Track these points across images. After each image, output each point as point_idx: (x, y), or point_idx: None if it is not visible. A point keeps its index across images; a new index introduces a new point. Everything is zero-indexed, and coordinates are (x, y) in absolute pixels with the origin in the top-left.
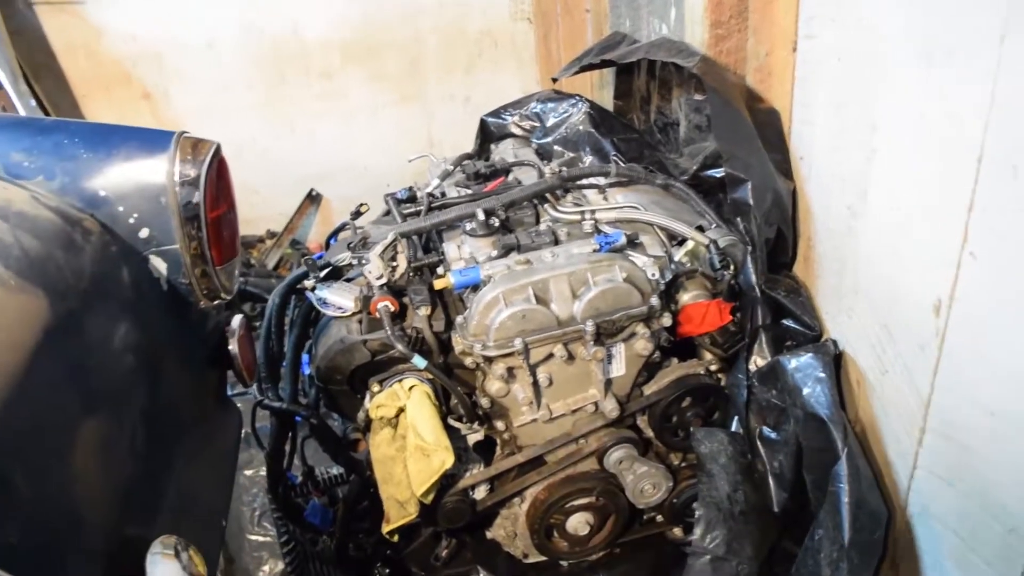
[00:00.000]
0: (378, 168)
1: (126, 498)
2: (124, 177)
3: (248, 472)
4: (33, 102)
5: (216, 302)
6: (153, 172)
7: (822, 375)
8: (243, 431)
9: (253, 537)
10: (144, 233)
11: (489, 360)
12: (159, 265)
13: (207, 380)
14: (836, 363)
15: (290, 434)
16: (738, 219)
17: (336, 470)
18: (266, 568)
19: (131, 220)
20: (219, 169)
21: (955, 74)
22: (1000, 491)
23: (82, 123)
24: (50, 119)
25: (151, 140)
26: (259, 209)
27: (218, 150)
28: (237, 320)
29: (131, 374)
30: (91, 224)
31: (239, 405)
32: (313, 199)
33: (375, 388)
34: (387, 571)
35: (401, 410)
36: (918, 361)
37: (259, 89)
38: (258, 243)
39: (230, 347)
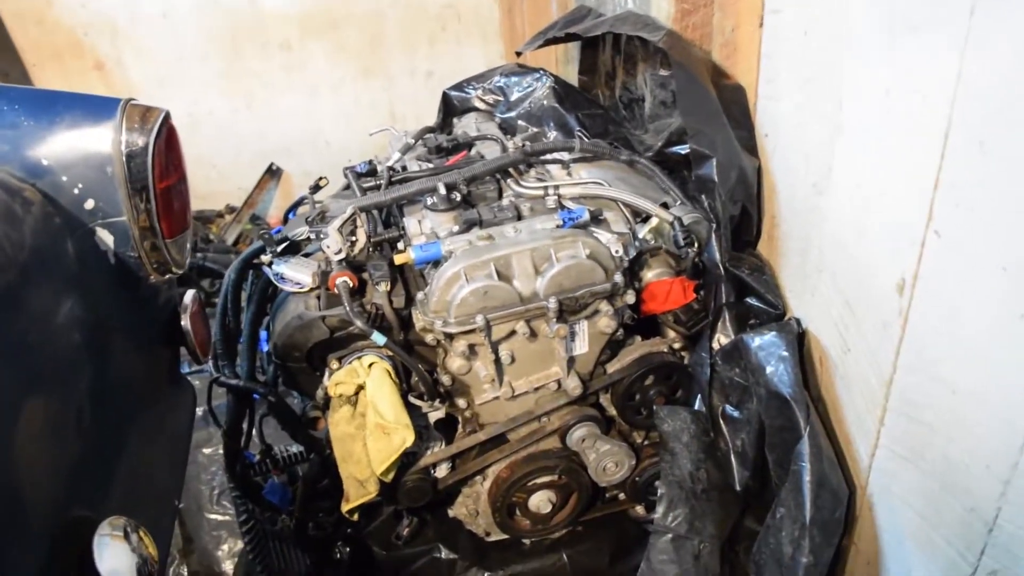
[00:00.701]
0: (340, 142)
1: (72, 479)
2: (68, 146)
3: (207, 450)
4: None
5: (167, 276)
6: (98, 141)
7: (785, 353)
8: (199, 409)
9: (212, 516)
10: (90, 204)
11: (450, 337)
12: (106, 238)
13: (159, 357)
14: (799, 342)
15: (248, 412)
16: (703, 196)
17: (295, 448)
18: (225, 547)
19: (76, 191)
20: (168, 138)
21: (922, 48)
22: (961, 470)
23: (24, 89)
24: None
25: (96, 107)
26: (217, 184)
27: (167, 118)
28: (190, 295)
29: (77, 351)
30: (32, 194)
31: (195, 383)
32: (273, 173)
33: (334, 365)
34: (347, 550)
35: (360, 387)
36: (881, 340)
37: (216, 61)
38: (217, 218)
39: (183, 323)
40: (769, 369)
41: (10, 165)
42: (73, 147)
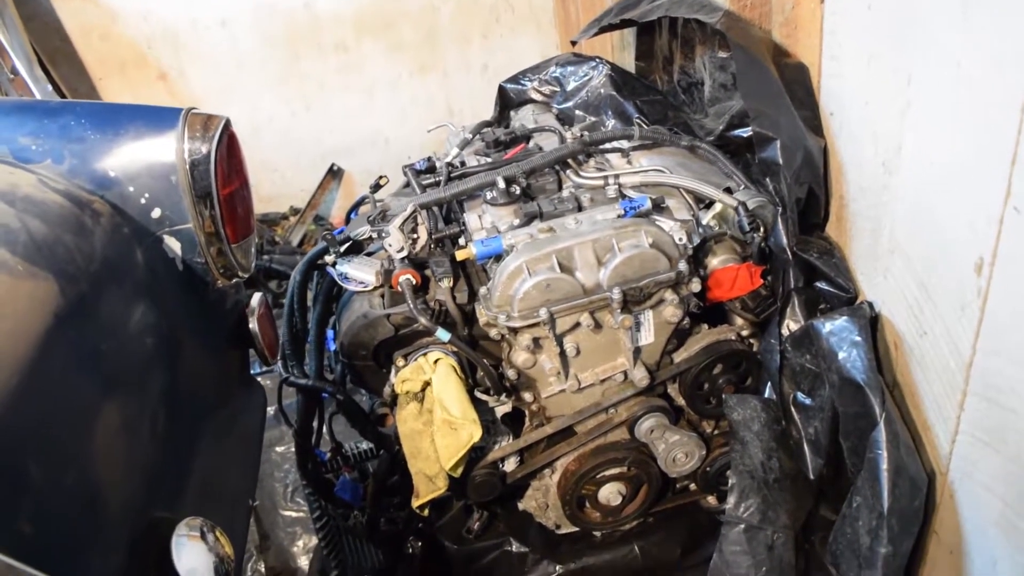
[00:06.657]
0: (399, 140)
1: (149, 482)
2: (133, 157)
3: (279, 448)
4: (50, 87)
5: (233, 280)
6: (162, 150)
7: (858, 339)
8: (270, 408)
9: (287, 513)
10: (156, 213)
11: (514, 331)
12: (173, 245)
13: (228, 360)
14: (872, 326)
15: (317, 410)
16: (767, 179)
17: (365, 444)
18: (300, 543)
19: (142, 200)
20: (230, 145)
21: (995, 18)
22: None
23: (89, 103)
24: (56, 101)
25: (159, 118)
26: (280, 187)
27: (227, 125)
28: (257, 298)
29: (149, 357)
30: (101, 206)
31: (266, 383)
32: (335, 174)
33: (400, 363)
34: (419, 544)
35: (427, 384)
36: (959, 322)
37: (274, 66)
38: (281, 220)
39: (251, 325)
40: (842, 355)
41: (80, 178)
42: (138, 158)
